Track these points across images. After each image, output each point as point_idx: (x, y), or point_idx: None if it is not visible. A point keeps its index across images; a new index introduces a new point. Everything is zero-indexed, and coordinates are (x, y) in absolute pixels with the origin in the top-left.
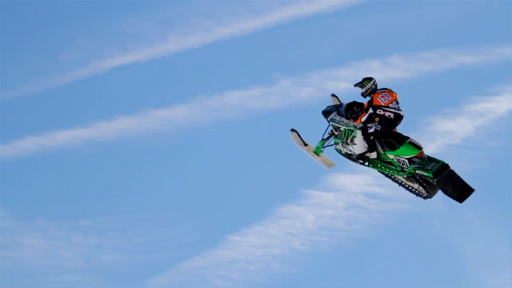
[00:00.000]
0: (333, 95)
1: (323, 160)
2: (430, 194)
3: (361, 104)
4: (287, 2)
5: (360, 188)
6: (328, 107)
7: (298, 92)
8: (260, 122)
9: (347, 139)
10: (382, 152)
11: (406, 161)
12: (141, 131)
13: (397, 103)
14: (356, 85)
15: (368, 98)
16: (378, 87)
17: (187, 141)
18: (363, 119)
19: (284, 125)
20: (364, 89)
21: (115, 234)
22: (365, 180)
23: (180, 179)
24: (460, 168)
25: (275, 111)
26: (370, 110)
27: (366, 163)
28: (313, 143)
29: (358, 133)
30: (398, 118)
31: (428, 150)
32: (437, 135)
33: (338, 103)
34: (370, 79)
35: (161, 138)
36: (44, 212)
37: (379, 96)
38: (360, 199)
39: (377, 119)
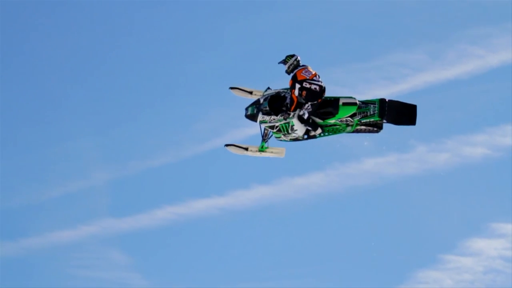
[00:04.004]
0: (231, 88)
1: (272, 153)
2: (379, 127)
3: (283, 98)
4: (420, 68)
5: (497, 252)
6: (247, 110)
7: (434, 158)
8: (396, 188)
9: (287, 130)
10: (323, 122)
11: (349, 118)
12: (277, 199)
13: (319, 77)
14: (279, 62)
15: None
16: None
17: (323, 208)
18: (296, 92)
19: (420, 191)
20: (287, 65)
21: None
22: (502, 244)
23: (317, 245)
24: None
25: (411, 177)
26: (297, 85)
27: (316, 137)
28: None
29: (295, 121)
30: (322, 90)
31: None
32: None
33: (242, 92)
34: (292, 55)
35: (297, 205)
36: (182, 281)
37: (303, 71)
38: (498, 263)
39: (304, 92)
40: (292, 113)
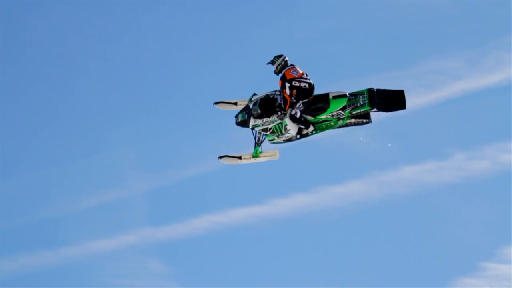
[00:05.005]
0: (215, 103)
1: (266, 156)
2: (368, 117)
3: (273, 100)
4: (458, 76)
5: None
6: (237, 117)
7: (472, 165)
8: (434, 196)
9: (280, 131)
10: (314, 119)
11: (340, 111)
12: (316, 208)
13: (307, 75)
14: (268, 63)
15: (281, 76)
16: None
17: (361, 216)
18: (288, 91)
19: (458, 199)
20: (275, 65)
21: None
22: None
23: (355, 253)
24: None
25: (449, 185)
26: (287, 84)
27: (309, 135)
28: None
29: (287, 120)
30: (312, 87)
31: None
32: None
33: (227, 105)
34: (280, 56)
35: (335, 214)
36: None
37: (291, 71)
38: None
39: (294, 91)
40: (288, 112)
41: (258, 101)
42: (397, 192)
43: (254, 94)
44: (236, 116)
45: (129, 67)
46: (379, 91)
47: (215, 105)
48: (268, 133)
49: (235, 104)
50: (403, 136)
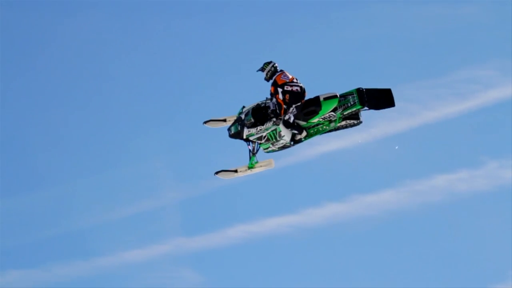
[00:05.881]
0: (204, 122)
1: (262, 166)
2: (357, 118)
3: (265, 108)
4: (491, 84)
5: None
6: (230, 130)
7: (506, 174)
8: (467, 205)
9: (275, 138)
10: (306, 123)
11: (331, 112)
12: (349, 217)
13: (297, 79)
14: (258, 70)
15: (271, 83)
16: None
17: (393, 225)
18: (281, 96)
19: (491, 208)
20: (265, 72)
21: None
22: None
23: (387, 262)
24: None
25: (483, 193)
26: (280, 89)
27: (302, 140)
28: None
29: (281, 127)
30: (303, 90)
31: None
32: None
33: (216, 123)
34: (269, 62)
35: (368, 223)
36: None
37: (281, 76)
38: None
39: (287, 95)
40: (280, 118)
41: (250, 111)
42: (429, 200)
43: (243, 107)
44: (229, 129)
45: (163, 78)
46: (368, 90)
47: (204, 124)
48: (263, 141)
49: (224, 120)
50: (436, 145)
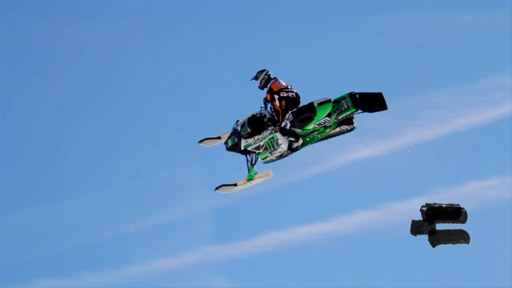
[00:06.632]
0: (199, 142)
1: (260, 177)
2: (351, 123)
3: (260, 117)
4: None
5: None
6: (227, 143)
7: None
8: (498, 212)
9: (273, 146)
10: (302, 131)
11: (326, 118)
12: (380, 224)
13: (291, 86)
14: (252, 79)
15: (266, 90)
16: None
17: None
18: (277, 103)
19: None
20: (259, 80)
21: None
22: None
23: (417, 270)
24: None
25: None
26: (276, 96)
27: (299, 148)
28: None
29: (278, 135)
30: (298, 96)
31: None
32: None
33: (211, 141)
34: (263, 70)
35: (400, 230)
36: None
37: (276, 83)
38: None
39: (283, 102)
40: (277, 126)
41: (246, 121)
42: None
43: (237, 121)
44: (226, 142)
45: (195, 86)
46: (360, 94)
47: (200, 144)
48: (261, 150)
49: (219, 138)
50: (467, 152)
